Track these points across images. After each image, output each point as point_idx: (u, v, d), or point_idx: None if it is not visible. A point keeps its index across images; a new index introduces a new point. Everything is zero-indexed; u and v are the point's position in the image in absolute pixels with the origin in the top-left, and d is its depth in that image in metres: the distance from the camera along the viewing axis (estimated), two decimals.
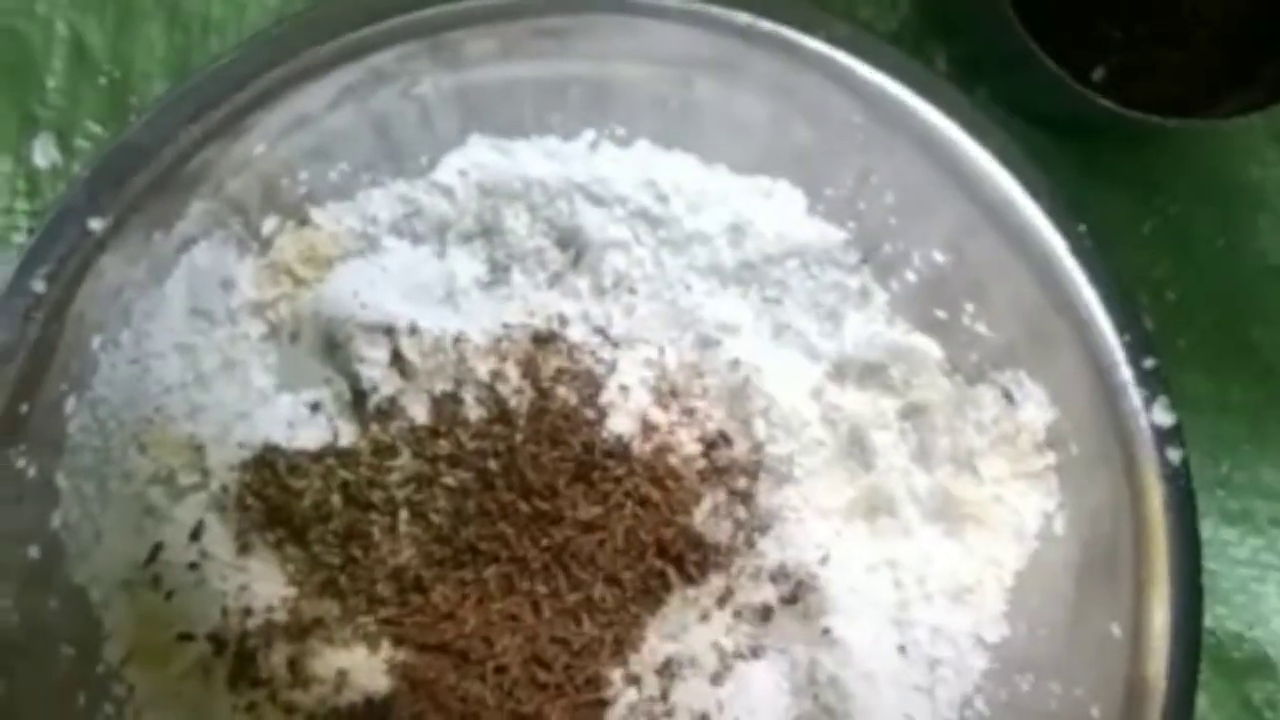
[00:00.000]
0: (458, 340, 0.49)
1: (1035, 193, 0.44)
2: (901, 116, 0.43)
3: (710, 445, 0.50)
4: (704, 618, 0.50)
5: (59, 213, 0.42)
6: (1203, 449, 0.51)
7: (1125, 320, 0.43)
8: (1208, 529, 0.49)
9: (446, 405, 0.49)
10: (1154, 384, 0.43)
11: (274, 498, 0.48)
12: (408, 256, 0.49)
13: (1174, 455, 0.43)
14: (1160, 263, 0.52)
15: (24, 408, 0.43)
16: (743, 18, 0.42)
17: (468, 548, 0.48)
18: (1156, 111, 0.46)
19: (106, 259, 0.43)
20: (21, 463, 0.43)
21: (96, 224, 0.42)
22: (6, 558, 0.44)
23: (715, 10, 0.42)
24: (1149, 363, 0.43)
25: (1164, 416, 0.43)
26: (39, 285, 0.42)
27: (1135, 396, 0.43)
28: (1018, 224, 0.44)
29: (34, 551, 0.44)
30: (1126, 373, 0.43)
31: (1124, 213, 0.52)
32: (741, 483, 0.50)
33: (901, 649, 0.50)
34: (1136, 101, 0.46)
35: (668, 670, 0.49)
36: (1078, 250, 0.43)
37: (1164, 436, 0.43)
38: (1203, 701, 0.50)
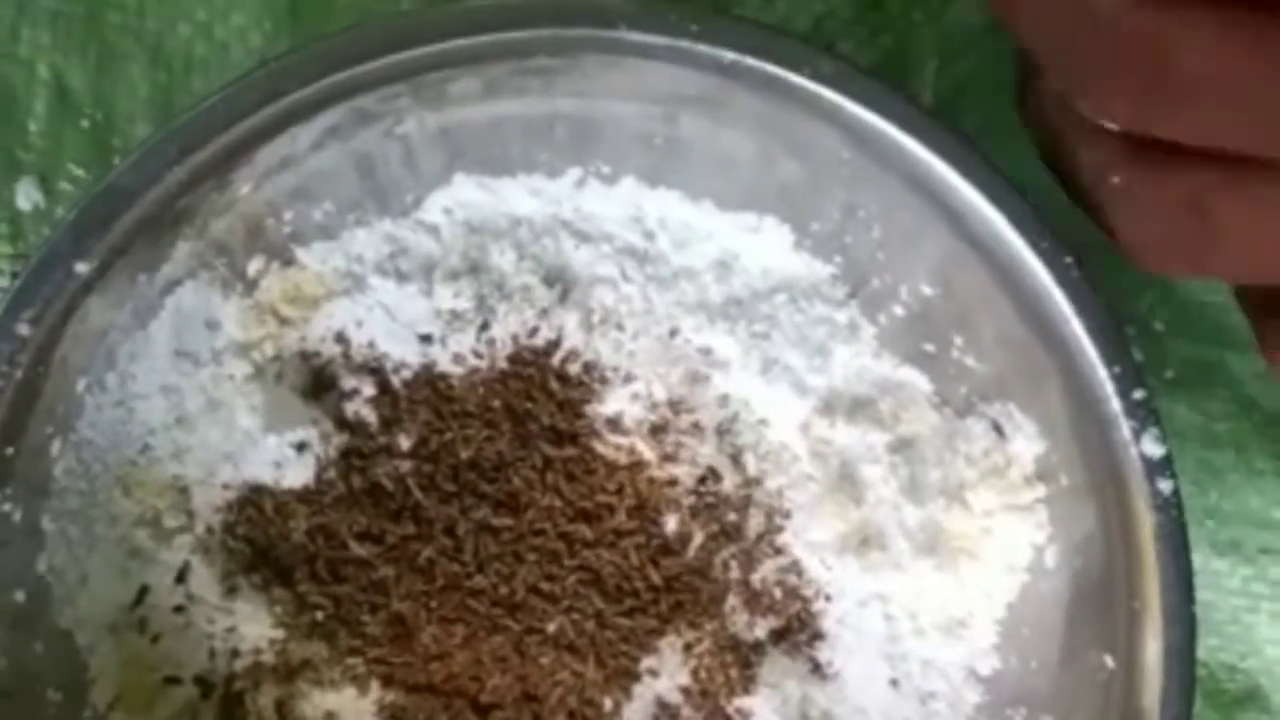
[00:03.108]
0: (444, 378, 0.49)
1: (1021, 225, 0.43)
2: (887, 151, 0.43)
3: (700, 480, 0.50)
4: (696, 654, 0.49)
5: (44, 256, 0.41)
6: (1191, 479, 0.51)
7: (1114, 352, 0.43)
8: (1199, 560, 0.48)
9: (434, 443, 0.49)
10: (1143, 415, 0.43)
11: (260, 539, 0.48)
12: (394, 295, 0.48)
13: (1164, 486, 0.43)
14: (1146, 292, 0.52)
15: (9, 451, 0.42)
16: (727, 55, 0.42)
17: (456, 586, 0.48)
18: None
19: (92, 302, 0.43)
20: (7, 507, 0.43)
21: (82, 267, 0.42)
22: None
23: (700, 48, 0.42)
24: (1138, 394, 0.43)
25: (1154, 448, 0.43)
26: (23, 329, 0.41)
27: (1125, 428, 0.43)
28: (1004, 257, 0.44)
29: (20, 596, 0.44)
30: (1116, 404, 0.43)
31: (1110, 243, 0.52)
32: (732, 518, 0.50)
33: (894, 683, 0.49)
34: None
35: (660, 707, 0.49)
36: (1065, 282, 0.43)
37: (1154, 467, 0.43)
38: None
